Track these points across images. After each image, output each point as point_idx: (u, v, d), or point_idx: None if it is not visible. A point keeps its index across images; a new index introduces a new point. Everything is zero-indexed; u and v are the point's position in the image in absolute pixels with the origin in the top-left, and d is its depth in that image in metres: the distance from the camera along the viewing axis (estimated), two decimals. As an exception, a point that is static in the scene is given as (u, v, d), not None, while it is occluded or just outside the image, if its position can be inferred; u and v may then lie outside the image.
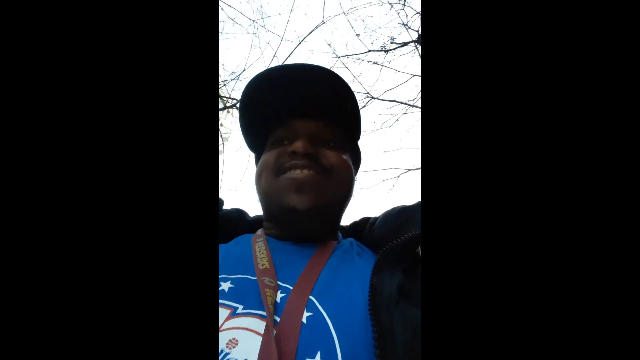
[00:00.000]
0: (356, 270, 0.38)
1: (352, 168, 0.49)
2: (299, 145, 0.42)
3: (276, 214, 0.45)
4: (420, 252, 0.39)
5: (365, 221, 0.52)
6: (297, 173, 0.42)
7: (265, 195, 0.46)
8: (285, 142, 0.46)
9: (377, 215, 0.50)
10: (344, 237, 0.52)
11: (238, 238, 0.47)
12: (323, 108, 0.45)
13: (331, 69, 0.44)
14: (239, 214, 0.56)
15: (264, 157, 0.47)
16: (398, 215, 0.43)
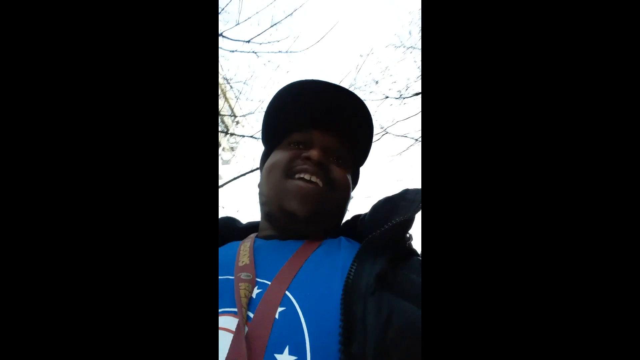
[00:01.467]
0: (340, 262, 0.37)
1: (351, 186, 0.52)
2: (314, 153, 0.44)
3: (275, 215, 0.46)
4: (409, 241, 0.39)
5: (355, 218, 0.51)
6: (306, 179, 0.44)
7: (270, 192, 0.47)
8: (300, 147, 0.49)
9: (366, 212, 0.50)
10: (336, 236, 0.51)
11: (227, 244, 0.47)
12: (343, 127, 0.49)
13: (358, 96, 0.49)
14: (229, 221, 0.56)
15: (277, 154, 0.49)
16: (383, 205, 0.42)
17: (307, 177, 0.44)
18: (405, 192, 0.42)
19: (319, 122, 0.48)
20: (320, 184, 0.44)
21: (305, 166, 0.44)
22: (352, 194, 0.57)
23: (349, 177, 0.50)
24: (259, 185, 0.52)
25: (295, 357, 0.26)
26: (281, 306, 0.30)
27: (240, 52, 3.45)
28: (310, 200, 0.43)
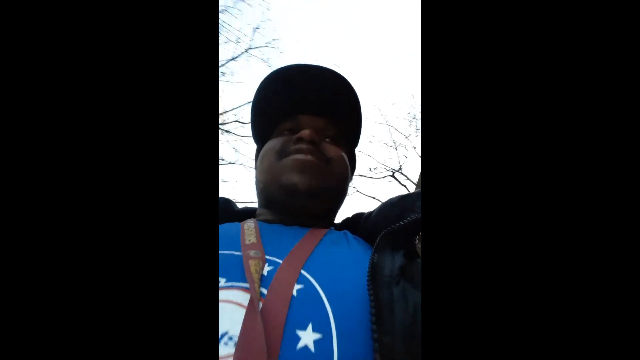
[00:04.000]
0: (350, 251, 0.36)
1: (348, 165, 0.51)
2: (305, 132, 0.44)
3: (275, 195, 0.44)
4: (418, 242, 0.39)
5: (358, 216, 0.50)
6: (301, 156, 0.43)
7: (267, 175, 0.45)
8: (290, 133, 0.48)
9: (371, 210, 0.49)
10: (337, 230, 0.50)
11: (224, 224, 0.45)
12: (329, 107, 0.49)
13: (340, 73, 0.48)
14: (225, 202, 0.54)
15: (268, 143, 0.48)
16: (398, 203, 0.42)
17: (301, 156, 0.43)
18: (421, 193, 0.43)
19: (305, 107, 0.48)
20: (316, 160, 0.43)
21: (298, 146, 0.44)
22: (351, 176, 0.57)
23: (344, 156, 0.50)
24: (255, 176, 0.51)
25: (320, 335, 0.24)
26: (298, 283, 0.29)
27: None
28: (309, 171, 0.42)
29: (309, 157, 0.43)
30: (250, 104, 0.53)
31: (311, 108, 0.48)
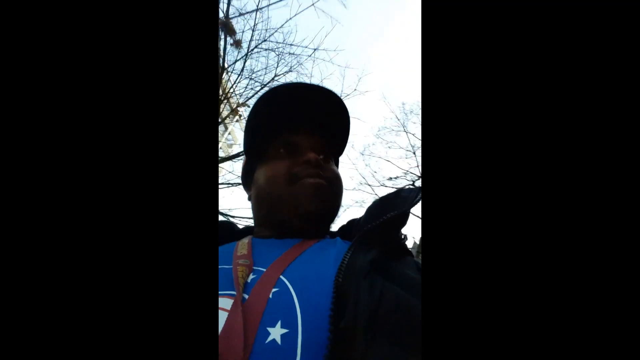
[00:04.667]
0: (334, 254, 0.38)
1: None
2: (312, 156, 0.46)
3: (289, 220, 0.46)
4: (404, 240, 0.40)
5: (352, 222, 0.52)
6: (313, 180, 0.45)
7: (278, 200, 0.46)
8: (282, 151, 0.50)
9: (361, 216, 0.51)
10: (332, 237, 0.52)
11: (226, 244, 0.47)
12: (323, 125, 0.51)
13: (334, 92, 0.50)
14: (228, 225, 0.58)
15: (270, 164, 0.49)
16: (379, 204, 0.44)
17: (313, 180, 0.45)
18: (400, 190, 0.44)
19: (303, 125, 0.50)
20: (325, 183, 0.46)
21: (309, 170, 0.46)
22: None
23: (339, 172, 0.52)
24: (253, 196, 0.52)
25: (287, 330, 0.27)
26: (275, 287, 0.32)
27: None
28: (325, 196, 0.45)
29: (320, 181, 0.45)
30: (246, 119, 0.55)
31: (310, 126, 0.50)
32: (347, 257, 0.34)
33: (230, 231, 0.56)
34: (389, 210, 0.40)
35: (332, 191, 0.47)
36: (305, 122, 0.50)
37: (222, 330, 0.27)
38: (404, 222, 0.40)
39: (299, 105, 0.49)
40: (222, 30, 3.27)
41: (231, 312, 0.29)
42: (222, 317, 0.29)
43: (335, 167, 0.51)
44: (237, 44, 3.50)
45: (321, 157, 0.49)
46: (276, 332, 0.27)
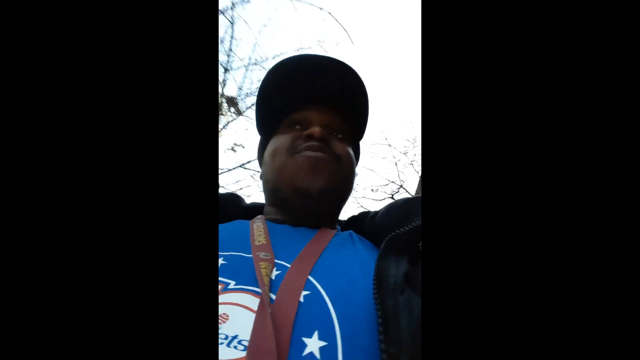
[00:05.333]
0: (356, 255, 0.36)
1: (355, 162, 0.51)
2: (316, 130, 0.43)
3: (286, 195, 0.44)
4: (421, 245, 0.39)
5: (364, 215, 0.51)
6: (312, 153, 0.42)
7: (277, 174, 0.45)
8: (298, 127, 0.47)
9: (377, 210, 0.49)
10: (342, 230, 0.51)
11: (234, 222, 0.45)
12: (338, 100, 0.47)
13: (351, 66, 0.47)
14: (234, 198, 0.55)
15: (277, 139, 0.47)
16: (403, 206, 0.42)
17: (312, 153, 0.43)
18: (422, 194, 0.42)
19: (315, 100, 0.47)
20: (327, 158, 0.43)
21: (309, 143, 0.43)
22: (356, 170, 0.57)
23: (351, 152, 0.49)
24: (262, 174, 0.51)
25: (326, 342, 0.25)
26: (305, 289, 0.29)
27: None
28: (321, 171, 0.42)
29: (320, 154, 0.42)
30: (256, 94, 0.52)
31: (320, 101, 0.47)
32: (380, 266, 0.32)
33: (237, 206, 0.53)
34: (414, 215, 0.38)
35: (335, 169, 0.44)
36: (319, 97, 0.47)
37: (251, 337, 0.24)
38: None
39: (314, 79, 0.46)
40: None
41: (259, 315, 0.26)
42: (247, 317, 0.26)
43: (347, 147, 0.48)
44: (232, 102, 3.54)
45: (334, 134, 0.47)
46: (314, 344, 0.25)
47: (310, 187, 0.41)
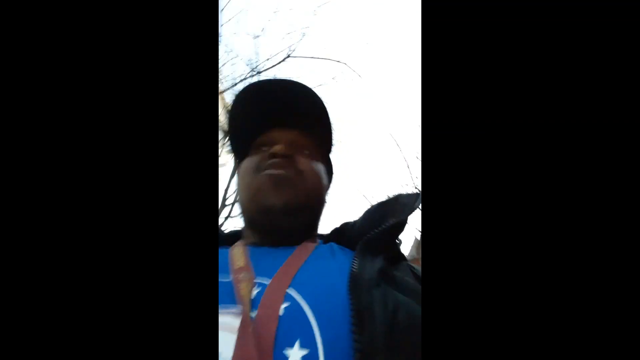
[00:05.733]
0: (336, 263, 0.37)
1: (324, 176, 0.52)
2: (277, 148, 0.45)
3: (254, 215, 0.45)
4: (400, 244, 0.40)
5: (345, 225, 0.52)
6: (274, 171, 0.44)
7: (245, 194, 0.47)
8: (264, 149, 0.49)
9: (356, 219, 0.50)
10: (325, 243, 0.51)
11: None
12: (300, 119, 0.50)
13: (308, 86, 0.50)
14: None
15: (246, 162, 0.50)
16: (377, 209, 0.43)
17: (274, 171, 0.44)
18: (399, 196, 0.44)
19: (278, 121, 0.50)
20: (290, 174, 0.44)
21: (271, 161, 0.45)
22: (329, 184, 0.58)
23: (319, 166, 0.51)
24: (237, 197, 0.52)
25: (307, 350, 0.25)
26: (285, 302, 0.30)
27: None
28: (282, 188, 0.43)
29: (281, 171, 0.44)
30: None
31: (283, 122, 0.50)
32: (356, 264, 0.33)
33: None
34: (388, 216, 0.39)
35: (298, 183, 0.45)
36: (280, 118, 0.49)
37: (233, 357, 0.25)
38: (403, 228, 0.40)
39: (273, 101, 0.48)
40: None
41: (241, 333, 0.27)
42: (229, 337, 0.26)
43: (313, 162, 0.49)
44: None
45: (301, 151, 0.48)
46: (296, 354, 0.25)
47: (272, 204, 0.42)
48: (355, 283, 0.30)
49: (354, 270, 0.32)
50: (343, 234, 0.50)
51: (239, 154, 0.54)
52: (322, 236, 0.54)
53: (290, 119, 0.49)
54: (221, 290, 0.32)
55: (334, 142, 0.56)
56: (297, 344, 0.26)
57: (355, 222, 0.49)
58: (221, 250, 0.43)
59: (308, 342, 0.26)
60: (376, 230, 0.37)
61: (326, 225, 0.56)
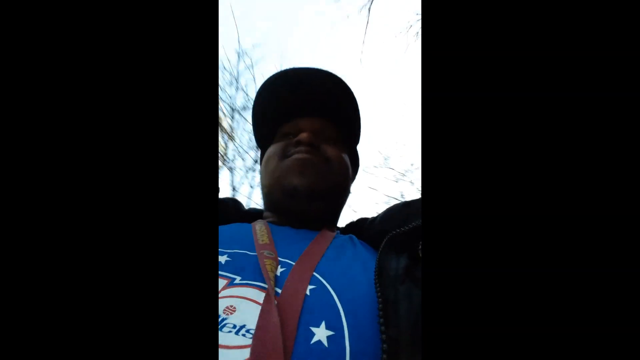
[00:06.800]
0: (357, 255, 0.37)
1: (349, 165, 0.52)
2: (303, 135, 0.45)
3: (277, 198, 0.46)
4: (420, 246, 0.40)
5: (363, 220, 0.52)
6: (301, 155, 0.44)
7: (269, 178, 0.47)
8: (291, 137, 0.49)
9: (375, 215, 0.50)
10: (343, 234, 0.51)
11: (235, 224, 0.46)
12: (327, 108, 0.50)
13: (338, 75, 0.49)
14: (234, 202, 0.55)
15: (271, 148, 0.50)
16: (403, 209, 0.44)
17: (300, 155, 0.44)
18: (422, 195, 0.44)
19: (304, 110, 0.50)
20: (315, 159, 0.45)
21: (298, 148, 0.45)
22: (355, 175, 0.58)
23: (345, 156, 0.50)
24: (260, 181, 0.52)
25: (333, 332, 0.26)
26: (311, 284, 0.30)
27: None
28: (308, 171, 0.43)
29: (307, 156, 0.44)
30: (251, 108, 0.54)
31: (309, 110, 0.50)
32: (381, 261, 0.33)
33: (237, 210, 0.54)
34: (413, 216, 0.40)
35: (324, 169, 0.45)
36: (307, 106, 0.49)
37: (257, 326, 0.25)
38: None
39: (300, 89, 0.48)
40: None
41: (265, 306, 0.27)
42: (253, 309, 0.27)
43: (339, 150, 0.49)
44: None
45: (326, 140, 0.48)
46: (321, 333, 0.25)
47: (297, 186, 0.43)
48: (381, 277, 0.30)
49: (380, 263, 0.32)
50: (361, 228, 0.50)
51: (263, 142, 0.55)
52: (338, 229, 0.54)
53: (316, 108, 0.49)
54: (247, 262, 0.33)
55: (360, 135, 0.56)
56: (323, 324, 0.26)
57: (374, 218, 0.49)
58: (243, 225, 0.44)
59: (334, 325, 0.26)
60: (403, 229, 0.37)
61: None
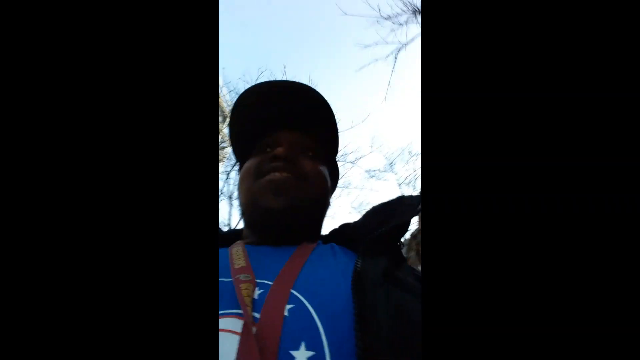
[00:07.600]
0: (337, 263, 0.36)
1: (328, 178, 0.52)
2: (279, 150, 0.44)
3: (254, 217, 0.45)
4: (402, 246, 0.40)
5: (344, 226, 0.51)
6: (276, 175, 0.43)
7: (245, 197, 0.46)
8: (268, 150, 0.48)
9: (357, 220, 0.50)
10: (324, 243, 0.50)
11: None
12: (304, 120, 0.49)
13: (312, 87, 0.49)
14: None
15: (247, 164, 0.49)
16: (381, 211, 0.43)
17: (277, 174, 0.43)
18: (402, 197, 0.44)
19: (282, 122, 0.49)
20: (291, 176, 0.44)
21: (273, 164, 0.44)
22: (335, 186, 0.58)
23: (323, 169, 0.50)
24: (238, 199, 0.52)
25: (313, 352, 0.25)
26: (289, 304, 0.29)
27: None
28: (282, 192, 0.42)
29: (283, 174, 0.43)
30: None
31: (286, 123, 0.49)
32: (359, 264, 0.32)
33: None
34: (392, 217, 0.39)
35: (300, 186, 0.44)
36: (284, 119, 0.49)
37: (236, 359, 0.24)
38: (406, 229, 0.40)
39: (277, 102, 0.48)
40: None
41: (243, 336, 0.25)
42: (232, 341, 0.25)
43: (316, 164, 0.49)
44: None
45: (304, 152, 0.48)
46: (302, 356, 0.24)
47: (274, 208, 0.42)
48: (358, 283, 0.30)
49: (358, 269, 0.31)
50: (343, 234, 0.49)
51: (241, 156, 0.54)
52: (322, 237, 0.53)
53: (294, 120, 0.49)
54: (222, 290, 0.31)
55: (338, 145, 0.56)
56: (302, 346, 0.25)
57: (356, 222, 0.48)
58: (221, 250, 0.42)
59: (314, 344, 0.25)
60: (380, 231, 0.36)
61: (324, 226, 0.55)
